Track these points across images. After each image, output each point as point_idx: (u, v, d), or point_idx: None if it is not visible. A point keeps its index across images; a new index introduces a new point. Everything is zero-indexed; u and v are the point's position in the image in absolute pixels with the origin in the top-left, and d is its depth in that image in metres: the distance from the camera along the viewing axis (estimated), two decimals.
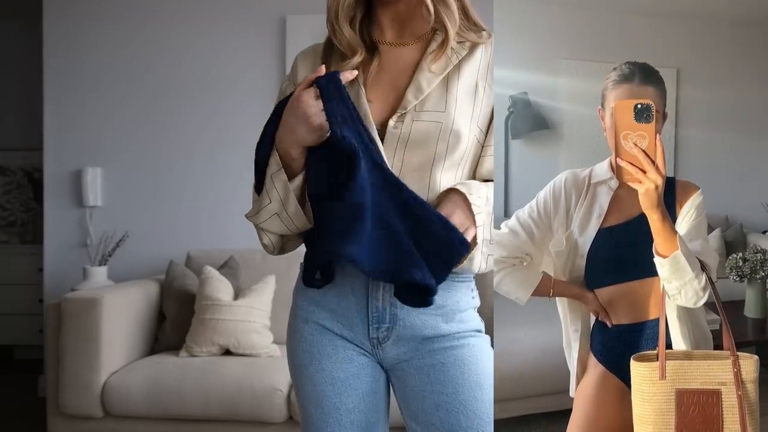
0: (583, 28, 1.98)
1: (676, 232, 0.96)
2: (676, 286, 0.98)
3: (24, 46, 4.27)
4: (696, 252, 1.00)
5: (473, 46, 1.05)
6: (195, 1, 3.35)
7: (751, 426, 0.94)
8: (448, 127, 1.00)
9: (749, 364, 0.95)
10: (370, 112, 1.02)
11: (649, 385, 0.96)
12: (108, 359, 2.47)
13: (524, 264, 1.18)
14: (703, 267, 0.99)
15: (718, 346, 1.01)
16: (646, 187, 0.93)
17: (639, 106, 0.92)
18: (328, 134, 0.96)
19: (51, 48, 3.39)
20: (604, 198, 1.13)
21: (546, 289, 1.17)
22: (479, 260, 1.00)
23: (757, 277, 1.57)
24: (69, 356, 2.44)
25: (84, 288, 2.93)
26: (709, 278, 0.99)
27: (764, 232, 1.99)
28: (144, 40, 3.36)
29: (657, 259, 0.98)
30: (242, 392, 2.35)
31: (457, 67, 1.03)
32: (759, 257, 1.56)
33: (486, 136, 1.05)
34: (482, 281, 2.60)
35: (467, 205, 0.98)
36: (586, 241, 1.14)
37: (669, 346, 1.03)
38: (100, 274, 3.12)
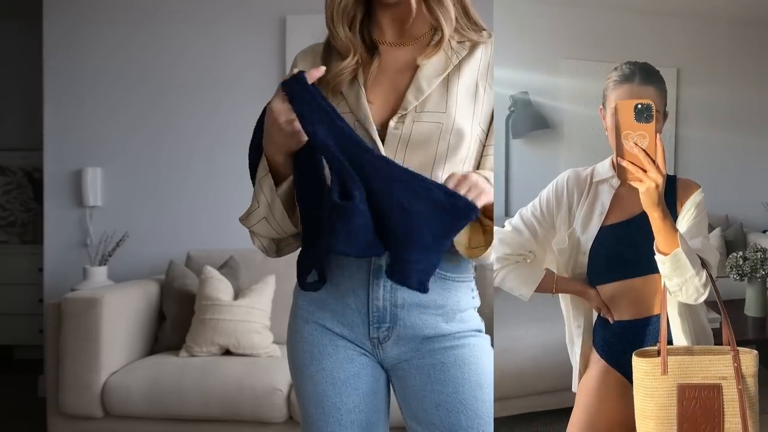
0: (583, 28, 1.99)
1: (676, 230, 0.98)
2: (677, 283, 1.00)
3: (24, 46, 4.28)
4: (696, 249, 1.01)
5: (473, 46, 1.05)
6: (195, 2, 3.35)
7: (751, 419, 0.96)
8: (448, 127, 1.00)
9: (749, 358, 0.97)
10: (371, 113, 1.02)
11: (651, 380, 0.97)
12: (108, 359, 2.47)
13: (528, 261, 1.20)
14: (704, 264, 1.00)
15: (718, 344, 1.03)
16: (647, 186, 0.94)
17: (639, 106, 0.93)
18: (306, 138, 0.96)
19: (51, 48, 3.39)
20: (605, 196, 1.15)
21: (549, 285, 1.18)
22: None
23: (758, 275, 1.57)
24: (69, 356, 2.44)
25: (84, 288, 2.93)
26: (710, 275, 1.00)
27: (764, 231, 1.99)
28: (144, 40, 3.36)
29: (658, 257, 0.99)
30: (242, 392, 2.35)
31: (458, 67, 1.03)
32: (759, 256, 1.56)
33: (487, 136, 1.05)
34: (482, 281, 2.61)
35: (476, 176, 0.96)
36: (588, 239, 1.15)
37: (669, 342, 1.04)
38: (100, 274, 3.12)
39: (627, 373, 1.06)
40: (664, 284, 1.02)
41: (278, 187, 1.01)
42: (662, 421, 0.96)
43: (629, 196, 1.10)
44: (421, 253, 0.92)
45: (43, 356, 2.71)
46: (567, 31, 1.98)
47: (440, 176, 1.01)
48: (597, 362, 1.19)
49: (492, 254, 1.00)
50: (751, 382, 0.96)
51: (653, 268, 1.00)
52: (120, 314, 2.56)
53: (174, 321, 2.75)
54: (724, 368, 0.96)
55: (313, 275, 1.04)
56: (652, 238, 0.99)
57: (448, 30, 1.02)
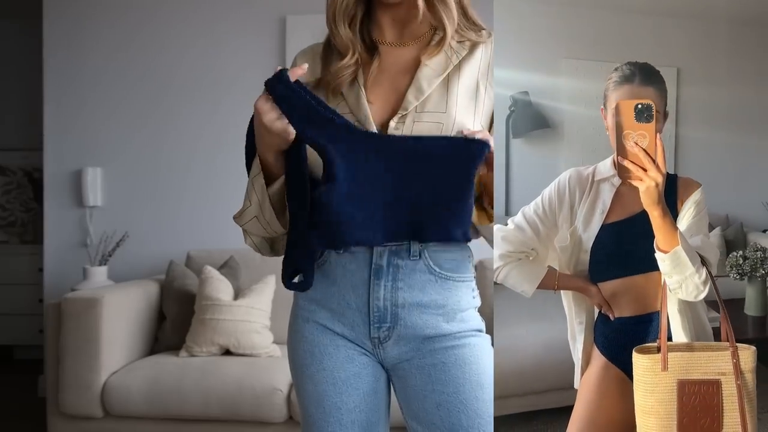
0: (583, 28, 1.99)
1: (676, 228, 0.99)
2: (677, 280, 1.01)
3: (24, 46, 4.28)
4: (696, 247, 1.02)
5: (473, 46, 1.05)
6: (195, 2, 3.35)
7: (749, 414, 0.98)
8: (449, 127, 1.00)
9: (747, 355, 0.99)
10: (371, 113, 1.02)
11: (651, 376, 0.99)
12: (108, 359, 2.47)
13: (530, 258, 1.21)
14: (704, 262, 1.02)
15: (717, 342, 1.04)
16: (647, 185, 0.95)
17: (639, 106, 0.94)
18: (294, 135, 0.96)
19: (51, 48, 3.39)
20: (607, 195, 1.16)
21: (551, 282, 1.20)
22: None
23: (757, 275, 1.58)
24: (69, 356, 2.44)
25: (84, 288, 2.93)
26: (709, 272, 1.02)
27: (764, 231, 1.99)
28: (144, 40, 3.37)
29: (658, 254, 1.00)
30: (242, 392, 2.35)
31: (458, 67, 1.03)
32: (759, 255, 1.56)
33: None
34: (482, 281, 2.61)
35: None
36: (589, 237, 1.17)
37: (669, 339, 1.06)
38: (100, 274, 3.12)
39: (627, 369, 1.07)
40: (664, 281, 1.03)
41: (270, 186, 1.01)
42: (662, 416, 0.98)
43: (630, 195, 1.11)
44: (449, 205, 0.93)
45: (43, 356, 2.71)
46: (567, 31, 1.98)
47: None
48: (598, 358, 1.20)
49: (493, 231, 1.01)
50: (750, 378, 0.98)
51: (654, 266, 1.02)
52: (120, 314, 2.56)
53: (174, 321, 2.75)
54: (724, 364, 0.98)
55: (299, 276, 1.04)
56: (652, 236, 1.00)
57: (450, 29, 1.02)
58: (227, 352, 2.60)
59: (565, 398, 1.23)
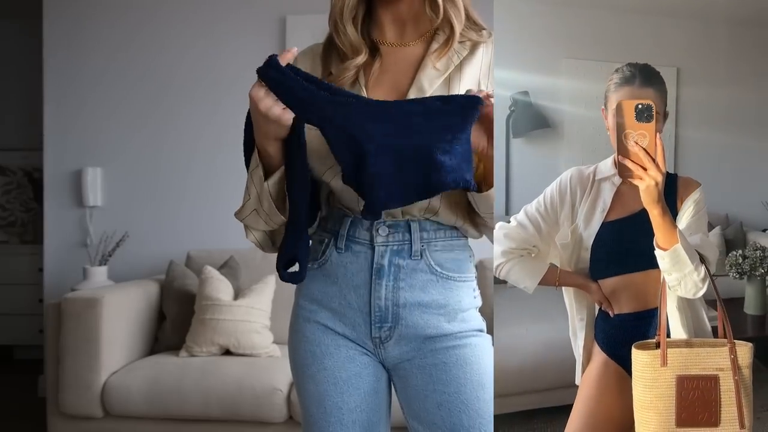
0: (583, 28, 1.99)
1: (675, 227, 1.00)
2: (676, 278, 1.02)
3: (24, 46, 4.28)
4: (696, 245, 1.03)
5: (474, 46, 1.05)
6: (195, 2, 3.35)
7: (746, 408, 1.00)
8: None
9: (745, 351, 1.01)
10: None
11: (650, 371, 1.01)
12: (108, 359, 2.47)
13: (532, 255, 1.23)
14: (703, 260, 1.03)
15: None
16: (647, 184, 0.96)
17: (640, 106, 0.96)
18: (290, 122, 0.95)
19: (51, 48, 3.39)
20: (607, 193, 1.18)
21: (552, 278, 1.21)
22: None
23: (757, 274, 1.58)
24: (69, 356, 2.44)
25: (84, 288, 2.93)
26: (708, 270, 1.03)
27: (764, 230, 1.99)
28: (144, 40, 3.37)
29: (657, 252, 1.02)
30: (242, 392, 2.35)
31: (459, 67, 1.04)
32: (758, 254, 1.57)
33: None
34: (482, 281, 2.61)
35: None
36: (590, 235, 1.18)
37: (668, 335, 1.07)
38: (100, 274, 3.12)
39: (627, 365, 1.08)
40: (664, 279, 1.04)
41: (270, 177, 1.01)
42: (661, 410, 1.00)
43: (630, 194, 1.13)
44: (454, 153, 0.92)
45: (43, 356, 2.71)
46: (567, 31, 1.98)
47: None
48: (599, 355, 1.22)
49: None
50: (747, 373, 1.01)
51: (653, 264, 1.03)
52: (120, 314, 2.56)
53: (174, 321, 2.75)
54: (722, 360, 1.00)
55: (294, 267, 1.03)
56: (652, 234, 1.01)
57: (458, 29, 1.02)
58: (227, 352, 2.60)
59: (565, 397, 1.24)
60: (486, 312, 1.12)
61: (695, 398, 0.99)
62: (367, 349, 1.06)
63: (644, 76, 1.09)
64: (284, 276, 1.03)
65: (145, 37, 3.37)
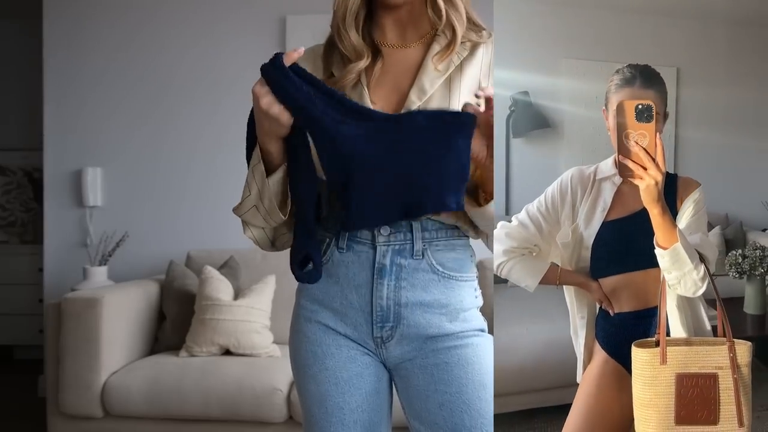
0: (583, 28, 1.99)
1: (675, 226, 1.01)
2: (676, 277, 1.03)
3: (24, 46, 4.28)
4: (695, 245, 1.04)
5: (474, 47, 1.06)
6: (195, 2, 3.35)
7: (745, 406, 1.01)
8: None
9: (744, 349, 1.02)
10: None
11: (650, 369, 1.01)
12: (108, 359, 2.47)
13: (533, 254, 1.24)
14: (702, 259, 1.04)
15: None
16: (647, 183, 0.97)
17: (640, 106, 0.97)
18: (291, 120, 0.95)
19: (51, 48, 3.39)
20: (608, 193, 1.19)
21: (553, 277, 1.22)
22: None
23: (756, 273, 1.58)
24: (69, 356, 2.44)
25: (84, 288, 2.93)
26: (708, 269, 1.04)
27: (764, 230, 2.00)
28: (144, 40, 3.37)
29: (657, 251, 1.02)
30: (242, 392, 2.35)
31: (459, 67, 1.04)
32: (758, 254, 1.57)
33: None
34: (482, 281, 2.61)
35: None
36: (590, 234, 1.19)
37: (667, 334, 1.08)
38: (100, 274, 3.12)
39: (627, 363, 1.09)
40: (664, 278, 1.05)
41: (271, 175, 1.01)
42: (660, 408, 1.01)
43: (630, 193, 1.14)
44: (439, 175, 0.93)
45: (43, 356, 2.71)
46: (567, 31, 1.98)
47: None
48: (599, 353, 1.23)
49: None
50: (746, 372, 1.01)
51: (653, 262, 1.04)
52: (120, 314, 2.56)
53: (174, 321, 2.76)
54: (721, 358, 1.01)
55: (309, 265, 1.03)
56: (652, 233, 1.02)
57: (460, 32, 1.03)
58: (227, 352, 2.60)
59: (565, 396, 1.25)
60: (486, 312, 1.12)
61: (694, 396, 1.00)
62: (369, 349, 1.06)
63: (645, 77, 1.10)
64: (299, 276, 1.03)
65: (145, 37, 3.37)
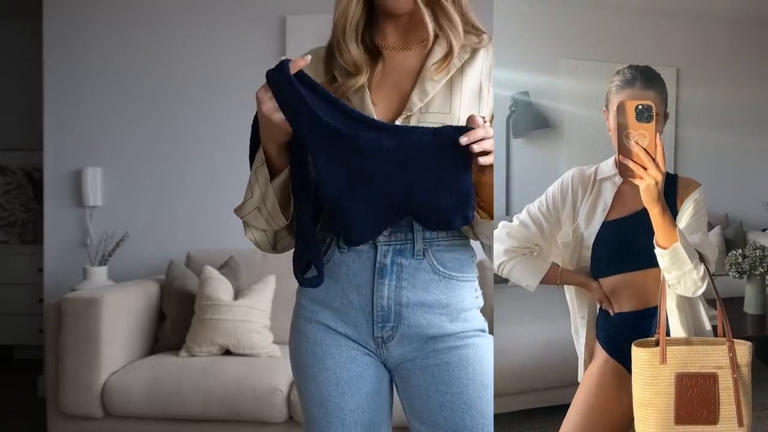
0: (584, 28, 1.99)
1: (675, 225, 1.02)
2: (676, 276, 1.04)
3: (24, 46, 4.28)
4: (695, 245, 1.05)
5: (474, 50, 1.07)
6: (194, 1, 3.35)
7: (745, 406, 1.01)
8: None
9: (743, 349, 1.02)
10: (375, 114, 1.03)
11: (650, 369, 1.02)
12: (108, 359, 2.47)
13: (534, 254, 1.25)
14: (702, 258, 1.04)
15: None
16: (647, 183, 0.98)
17: (640, 106, 0.97)
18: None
19: (51, 48, 3.39)
20: (608, 193, 1.19)
21: (554, 277, 1.23)
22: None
23: (757, 273, 1.58)
24: (69, 356, 2.44)
25: (84, 288, 2.93)
26: (707, 269, 1.04)
27: (764, 230, 2.00)
28: (143, 40, 3.37)
29: (657, 251, 1.03)
30: (242, 392, 2.35)
31: (460, 70, 1.05)
32: (758, 254, 1.56)
33: None
34: (482, 282, 2.61)
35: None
36: (591, 234, 1.20)
37: (667, 334, 1.08)
38: (100, 274, 3.12)
39: (627, 363, 1.10)
40: (664, 277, 1.06)
41: (275, 178, 1.01)
42: (660, 408, 1.01)
43: (631, 193, 1.14)
44: (441, 193, 0.93)
45: (43, 356, 2.71)
46: (567, 32, 1.98)
47: None
48: (600, 353, 1.23)
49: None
50: (746, 371, 1.02)
51: (653, 262, 1.04)
52: (120, 314, 2.57)
53: (174, 321, 2.76)
54: (721, 358, 1.01)
55: (312, 271, 1.03)
56: (652, 233, 1.03)
57: (456, 47, 1.04)
58: (227, 352, 2.60)
59: (565, 396, 1.25)
60: (486, 312, 1.12)
61: (694, 396, 1.00)
62: (369, 350, 1.06)
63: (645, 78, 1.11)
64: (303, 281, 1.03)
65: (144, 37, 3.37)
